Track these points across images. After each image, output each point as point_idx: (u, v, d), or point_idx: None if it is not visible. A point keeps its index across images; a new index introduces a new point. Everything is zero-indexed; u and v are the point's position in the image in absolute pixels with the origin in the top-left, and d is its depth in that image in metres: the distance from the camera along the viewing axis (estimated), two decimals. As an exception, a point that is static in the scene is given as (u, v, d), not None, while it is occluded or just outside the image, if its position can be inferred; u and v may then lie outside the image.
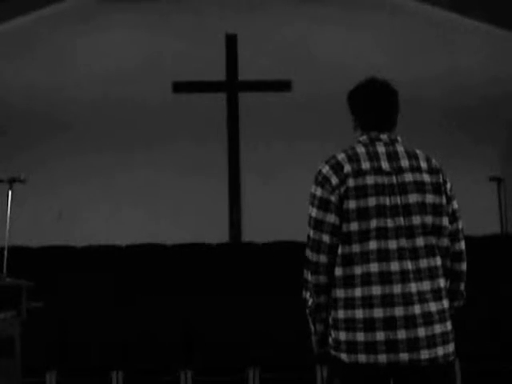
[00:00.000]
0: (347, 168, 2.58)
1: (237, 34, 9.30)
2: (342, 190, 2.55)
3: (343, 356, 2.50)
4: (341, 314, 2.52)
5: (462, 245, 2.83)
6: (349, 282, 2.52)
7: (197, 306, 6.87)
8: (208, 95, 9.22)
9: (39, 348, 5.88)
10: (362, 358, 2.46)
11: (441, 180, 2.68)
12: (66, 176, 8.84)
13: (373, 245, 2.51)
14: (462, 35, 9.45)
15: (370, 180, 2.56)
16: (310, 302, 2.64)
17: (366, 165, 2.58)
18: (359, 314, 2.48)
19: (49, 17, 9.31)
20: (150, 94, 9.10)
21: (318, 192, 2.60)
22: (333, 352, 2.56)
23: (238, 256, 8.11)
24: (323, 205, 2.58)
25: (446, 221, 2.67)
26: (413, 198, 2.57)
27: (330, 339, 2.58)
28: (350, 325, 2.49)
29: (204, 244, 8.19)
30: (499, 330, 6.44)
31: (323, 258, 2.57)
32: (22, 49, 9.20)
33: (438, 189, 2.65)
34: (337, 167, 2.60)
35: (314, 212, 2.60)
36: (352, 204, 2.54)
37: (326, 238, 2.56)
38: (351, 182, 2.55)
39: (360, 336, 2.47)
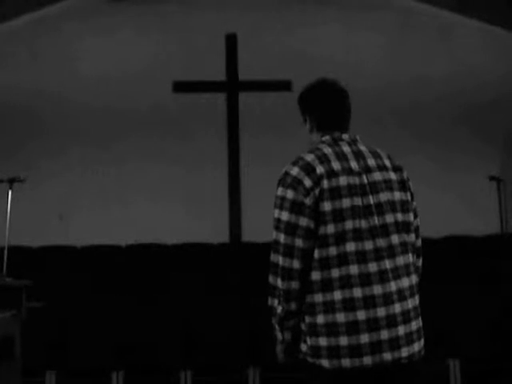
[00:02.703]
0: (320, 169, 2.52)
1: (237, 34, 9.30)
2: (317, 192, 2.48)
3: (324, 362, 2.42)
4: (320, 318, 2.43)
5: (420, 241, 2.72)
6: (327, 285, 2.44)
7: (197, 306, 6.87)
8: (208, 95, 9.23)
9: (39, 348, 5.88)
10: (346, 362, 2.40)
11: (404, 177, 2.65)
12: (66, 176, 8.84)
13: (350, 247, 2.45)
14: (463, 36, 9.45)
15: (342, 181, 2.51)
16: (279, 310, 2.52)
17: (336, 165, 2.53)
18: (341, 317, 2.41)
19: (48, 17, 9.31)
20: (149, 93, 9.10)
21: (290, 195, 2.51)
22: (310, 359, 2.47)
23: (238, 256, 8.11)
24: (296, 208, 2.49)
25: (412, 217, 2.63)
26: (384, 197, 2.54)
27: (305, 346, 2.49)
28: (332, 329, 2.41)
29: (204, 244, 8.19)
30: (499, 330, 6.44)
31: (296, 264, 2.46)
32: (23, 49, 9.21)
33: (403, 186, 2.62)
34: (308, 169, 2.53)
35: (285, 216, 2.50)
36: (327, 206, 2.47)
37: (299, 242, 2.47)
38: (325, 184, 2.49)
39: (343, 340, 2.40)
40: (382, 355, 2.40)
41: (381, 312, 2.42)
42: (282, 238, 2.50)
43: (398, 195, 2.59)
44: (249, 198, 8.99)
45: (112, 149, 8.99)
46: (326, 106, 2.72)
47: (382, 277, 2.45)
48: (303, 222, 2.48)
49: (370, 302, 2.42)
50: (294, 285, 2.48)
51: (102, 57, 9.22)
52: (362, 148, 2.64)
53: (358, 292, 2.42)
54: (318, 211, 2.47)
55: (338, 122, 2.71)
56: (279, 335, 2.58)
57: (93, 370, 6.09)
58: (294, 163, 2.59)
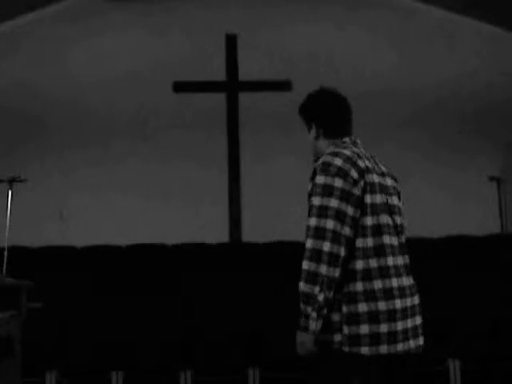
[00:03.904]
0: (361, 163, 2.65)
1: (237, 34, 9.31)
2: (362, 183, 2.61)
3: (363, 350, 2.50)
4: (363, 307, 2.52)
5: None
6: (367, 275, 2.55)
7: (197, 305, 6.87)
8: (208, 95, 9.23)
9: (39, 348, 5.87)
10: (384, 348, 2.52)
11: (396, 182, 2.87)
12: (66, 176, 8.84)
13: (385, 239, 2.62)
14: (465, 37, 9.45)
15: (375, 178, 2.67)
16: (320, 297, 2.50)
17: (367, 163, 2.68)
18: (382, 306, 2.53)
19: (47, 18, 9.31)
20: (150, 93, 9.10)
21: (338, 183, 2.57)
22: (345, 349, 2.52)
23: (238, 256, 8.11)
24: (345, 196, 2.56)
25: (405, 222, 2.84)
26: (394, 200, 2.76)
27: (339, 336, 2.53)
28: (374, 317, 2.51)
29: (204, 244, 8.19)
30: (499, 330, 6.44)
31: (342, 251, 2.53)
32: (23, 49, 9.21)
33: (398, 191, 2.86)
34: (351, 161, 2.63)
35: (334, 203, 2.54)
36: (368, 199, 2.61)
37: (346, 230, 2.55)
38: (367, 178, 2.63)
39: (383, 327, 2.52)
40: (409, 342, 2.58)
41: (407, 302, 2.61)
42: (330, 224, 2.54)
43: (396, 199, 2.80)
44: (249, 198, 8.99)
45: (112, 149, 8.99)
46: (331, 113, 2.84)
47: (406, 271, 2.67)
48: (350, 211, 2.57)
49: (402, 293, 2.59)
50: (337, 272, 2.53)
51: (102, 57, 9.22)
52: (370, 153, 2.82)
53: (394, 282, 2.57)
54: (363, 202, 2.59)
55: (344, 127, 2.84)
56: (313, 325, 2.53)
57: (93, 370, 6.09)
58: (335, 155, 2.66)
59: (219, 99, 9.23)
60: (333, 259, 2.51)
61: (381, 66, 9.28)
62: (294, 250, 7.90)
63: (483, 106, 9.21)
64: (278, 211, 8.77)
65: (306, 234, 2.62)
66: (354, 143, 2.78)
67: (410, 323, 2.59)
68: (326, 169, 2.61)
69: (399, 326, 2.54)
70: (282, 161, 8.92)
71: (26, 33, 9.22)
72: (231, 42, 9.33)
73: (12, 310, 4.05)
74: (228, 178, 9.08)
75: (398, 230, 2.69)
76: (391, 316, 2.53)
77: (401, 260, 2.66)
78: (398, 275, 2.60)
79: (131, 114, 9.12)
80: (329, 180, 2.58)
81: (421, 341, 2.65)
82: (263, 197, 8.92)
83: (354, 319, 2.52)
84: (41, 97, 9.02)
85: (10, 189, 5.40)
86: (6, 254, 5.18)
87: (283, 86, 9.10)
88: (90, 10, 9.34)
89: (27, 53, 9.20)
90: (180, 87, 9.19)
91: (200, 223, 8.70)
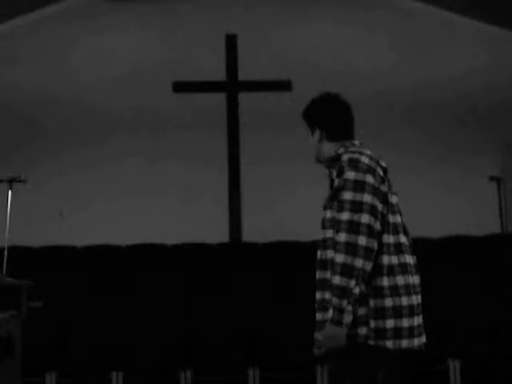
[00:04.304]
0: (382, 163, 2.74)
1: (237, 34, 9.31)
2: (387, 181, 2.69)
3: (388, 343, 2.57)
4: (389, 301, 2.58)
5: None
6: (391, 270, 2.62)
7: (197, 306, 6.87)
8: (208, 95, 9.23)
9: (39, 348, 5.88)
10: (405, 342, 2.60)
11: None
12: (66, 176, 8.84)
13: (402, 238, 2.69)
14: (465, 37, 9.46)
15: (389, 179, 2.76)
16: (356, 291, 2.52)
17: (382, 164, 2.76)
18: (404, 301, 2.60)
19: (47, 18, 9.32)
20: (150, 93, 9.10)
21: (370, 179, 2.61)
22: (371, 342, 2.57)
23: (238, 256, 8.11)
24: (376, 192, 2.62)
25: None
26: (396, 200, 2.81)
27: (365, 329, 2.57)
28: (398, 312, 2.58)
29: (204, 244, 8.19)
30: (499, 330, 6.44)
31: (376, 246, 2.58)
32: (23, 49, 9.21)
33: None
34: (375, 160, 2.70)
35: (368, 198, 2.58)
36: (390, 197, 2.70)
37: (377, 225, 2.59)
38: (388, 177, 2.72)
39: (405, 322, 2.60)
40: (421, 338, 2.67)
41: (419, 300, 2.70)
42: (365, 218, 2.56)
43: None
44: (249, 198, 8.99)
45: (112, 149, 8.99)
46: (336, 116, 2.88)
47: (416, 270, 2.74)
48: (379, 206, 2.62)
49: (415, 290, 2.68)
50: (370, 266, 2.57)
51: (102, 57, 9.22)
52: None
53: (411, 279, 2.66)
54: (387, 200, 2.67)
55: (348, 130, 2.88)
56: (347, 319, 2.54)
57: (93, 370, 6.10)
58: (359, 153, 2.71)
59: (219, 99, 9.22)
60: (368, 253, 2.55)
61: (380, 65, 9.28)
62: (293, 250, 7.94)
63: (483, 106, 9.21)
64: (278, 211, 8.78)
65: (323, 225, 2.69)
66: (362, 145, 2.83)
67: (421, 320, 2.69)
68: (355, 165, 2.64)
69: (415, 321, 2.63)
70: (282, 161, 8.91)
71: (26, 33, 9.22)
72: (231, 41, 9.33)
73: (12, 310, 4.06)
74: (228, 178, 9.08)
75: (405, 229, 2.75)
76: (411, 311, 2.61)
77: (413, 259, 2.73)
78: (412, 273, 2.68)
79: (131, 113, 9.11)
80: (360, 176, 2.61)
81: (425, 338, 2.73)
82: (263, 197, 8.92)
83: (380, 313, 2.58)
84: (41, 97, 9.02)
85: (10, 189, 5.39)
86: (5, 253, 5.18)
87: (283, 85, 9.10)
88: (90, 10, 9.34)
89: (27, 53, 9.20)
90: (180, 87, 9.19)
91: (200, 223, 8.70)
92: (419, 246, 2.78)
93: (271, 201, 8.88)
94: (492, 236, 8.05)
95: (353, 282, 2.52)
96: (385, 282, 2.60)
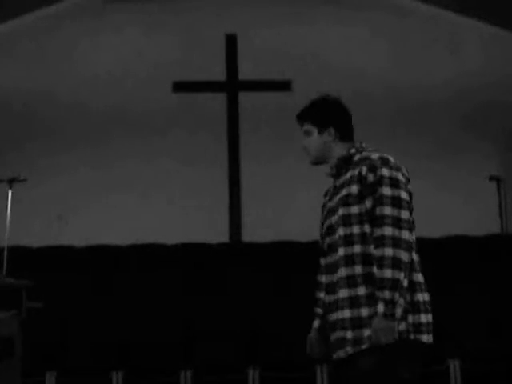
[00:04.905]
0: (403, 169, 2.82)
1: (237, 34, 9.30)
2: (409, 184, 2.78)
3: (424, 337, 2.65)
4: (420, 296, 2.67)
5: None
6: (414, 266, 2.69)
7: (197, 305, 6.87)
8: (208, 95, 9.23)
9: (39, 348, 5.88)
10: (431, 337, 2.70)
11: None
12: (66, 176, 8.84)
13: (414, 237, 2.73)
14: (465, 37, 9.45)
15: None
16: (405, 284, 2.59)
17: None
18: (426, 297, 2.71)
19: (47, 18, 9.32)
20: (150, 93, 9.10)
21: (401, 177, 2.71)
22: (411, 336, 2.62)
23: (237, 256, 8.11)
24: (406, 189, 2.71)
25: None
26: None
27: (404, 324, 2.60)
28: (426, 307, 2.69)
29: (204, 244, 8.19)
30: (499, 329, 6.44)
31: (414, 239, 2.69)
32: (23, 49, 9.21)
33: None
34: (397, 161, 2.78)
35: (404, 195, 2.67)
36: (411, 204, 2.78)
37: (409, 219, 2.67)
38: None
39: (430, 317, 2.70)
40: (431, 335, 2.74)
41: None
42: (405, 214, 2.65)
43: None
44: (249, 198, 8.99)
45: (112, 149, 8.99)
46: (347, 118, 2.92)
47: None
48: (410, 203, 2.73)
49: (426, 287, 2.76)
50: (410, 258, 2.64)
51: (102, 57, 9.21)
52: None
53: (422, 277, 2.74)
54: (411, 198, 2.74)
55: (352, 132, 2.92)
56: (399, 311, 2.58)
57: (93, 370, 6.09)
58: (384, 153, 2.77)
59: (219, 99, 9.22)
60: (410, 246, 2.63)
61: (381, 66, 9.28)
62: (294, 250, 7.93)
63: (483, 106, 9.20)
64: (278, 211, 8.77)
65: (338, 222, 2.70)
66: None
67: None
68: (387, 163, 2.70)
69: (431, 317, 2.73)
70: (282, 160, 8.91)
71: (26, 33, 9.21)
72: (231, 41, 9.32)
73: (12, 310, 4.06)
74: (228, 178, 9.08)
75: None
76: (429, 307, 2.71)
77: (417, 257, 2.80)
78: (420, 271, 2.75)
79: (131, 114, 9.11)
80: (394, 173, 2.69)
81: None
82: (263, 197, 8.91)
83: (416, 308, 2.64)
84: (40, 97, 9.02)
85: (10, 189, 5.40)
86: (5, 253, 5.18)
87: (283, 85, 9.10)
88: (90, 11, 9.34)
89: (27, 53, 9.20)
90: (180, 87, 9.19)
91: (200, 223, 8.69)
92: (419, 245, 2.77)
93: (271, 201, 8.88)
94: (492, 236, 8.04)
95: (402, 275, 2.58)
96: (415, 277, 2.69)
